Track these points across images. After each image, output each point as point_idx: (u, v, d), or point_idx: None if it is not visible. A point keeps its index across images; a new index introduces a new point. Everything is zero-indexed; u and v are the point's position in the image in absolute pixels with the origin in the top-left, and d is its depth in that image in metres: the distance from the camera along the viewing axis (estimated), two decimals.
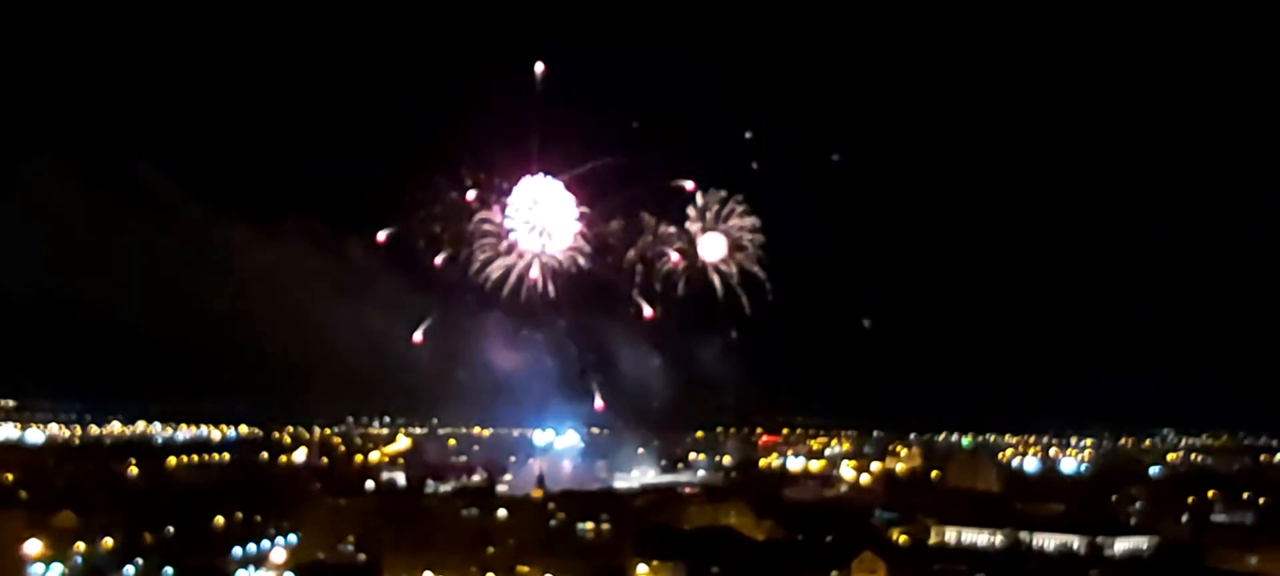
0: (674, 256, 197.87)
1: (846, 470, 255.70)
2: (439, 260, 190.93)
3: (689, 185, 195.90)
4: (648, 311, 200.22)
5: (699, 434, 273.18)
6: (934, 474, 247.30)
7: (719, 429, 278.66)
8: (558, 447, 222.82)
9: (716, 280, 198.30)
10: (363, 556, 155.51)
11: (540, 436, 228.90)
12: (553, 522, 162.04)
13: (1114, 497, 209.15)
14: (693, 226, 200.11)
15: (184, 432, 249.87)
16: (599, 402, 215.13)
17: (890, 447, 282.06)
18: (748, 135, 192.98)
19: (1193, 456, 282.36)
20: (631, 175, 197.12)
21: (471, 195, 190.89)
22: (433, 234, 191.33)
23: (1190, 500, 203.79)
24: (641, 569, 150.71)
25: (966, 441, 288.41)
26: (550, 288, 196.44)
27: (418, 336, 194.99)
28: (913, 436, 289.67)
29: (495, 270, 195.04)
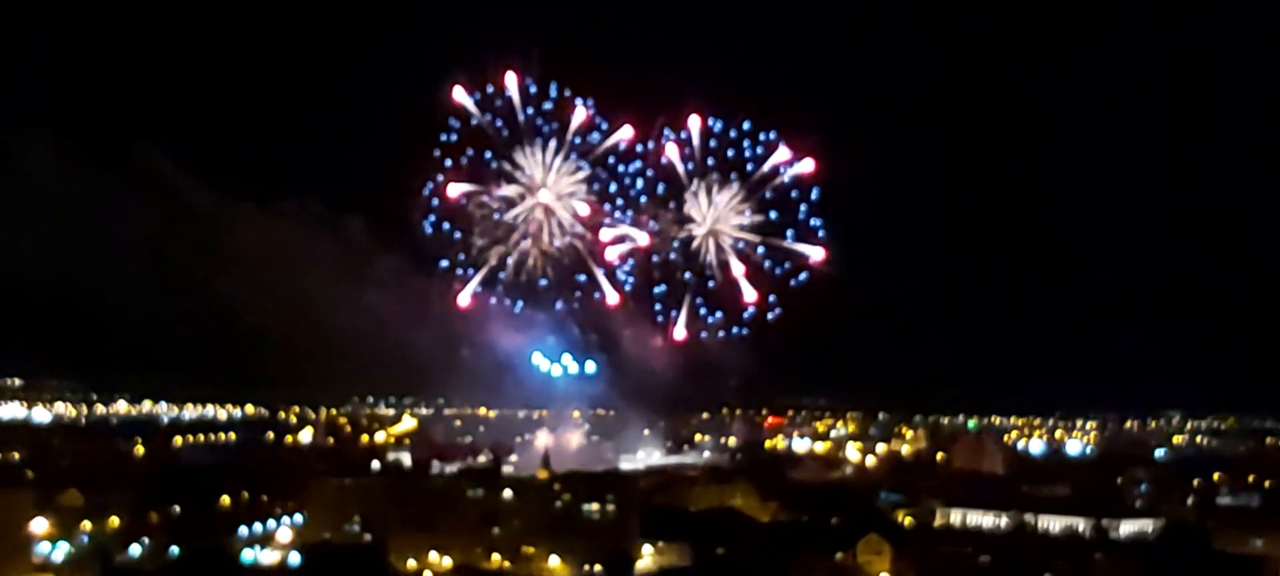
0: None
1: (852, 452, 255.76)
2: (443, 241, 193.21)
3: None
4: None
5: (705, 415, 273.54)
6: (939, 456, 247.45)
7: (724, 410, 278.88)
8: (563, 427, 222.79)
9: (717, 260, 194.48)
10: (368, 537, 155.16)
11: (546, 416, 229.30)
12: (558, 503, 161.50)
13: (1119, 480, 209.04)
14: (691, 208, 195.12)
15: (190, 412, 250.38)
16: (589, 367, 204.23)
17: (896, 429, 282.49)
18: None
19: (1198, 439, 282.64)
20: (632, 155, 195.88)
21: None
22: (434, 216, 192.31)
23: (1196, 483, 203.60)
24: (646, 549, 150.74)
25: (972, 423, 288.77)
26: (549, 270, 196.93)
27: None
28: (918, 418, 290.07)
29: (496, 253, 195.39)
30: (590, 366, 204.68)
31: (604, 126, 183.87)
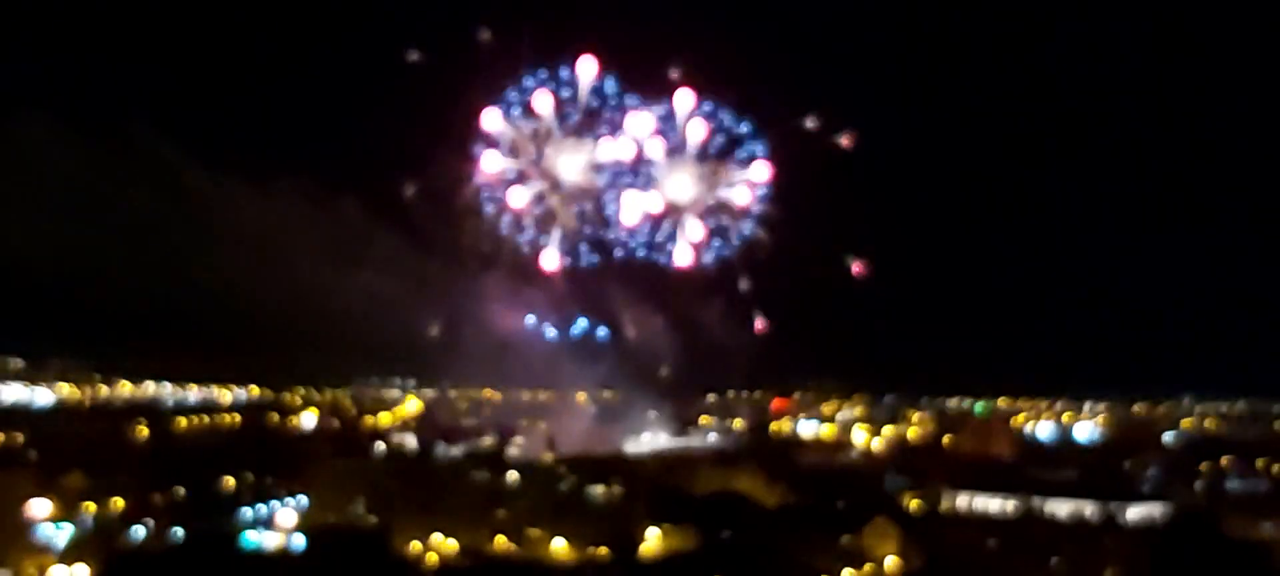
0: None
1: (859, 435, 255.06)
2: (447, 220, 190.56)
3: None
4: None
5: (710, 398, 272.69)
6: (947, 439, 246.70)
7: (731, 393, 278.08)
8: (569, 410, 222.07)
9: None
10: (373, 519, 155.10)
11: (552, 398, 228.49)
12: (563, 486, 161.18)
13: (1128, 464, 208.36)
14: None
15: (193, 394, 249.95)
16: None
17: (903, 413, 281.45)
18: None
19: (1207, 423, 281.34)
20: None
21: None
22: (441, 195, 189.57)
23: (1204, 467, 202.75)
24: (652, 532, 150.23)
25: (979, 407, 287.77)
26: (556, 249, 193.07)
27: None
28: (925, 401, 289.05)
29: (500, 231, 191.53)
30: (601, 331, 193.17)
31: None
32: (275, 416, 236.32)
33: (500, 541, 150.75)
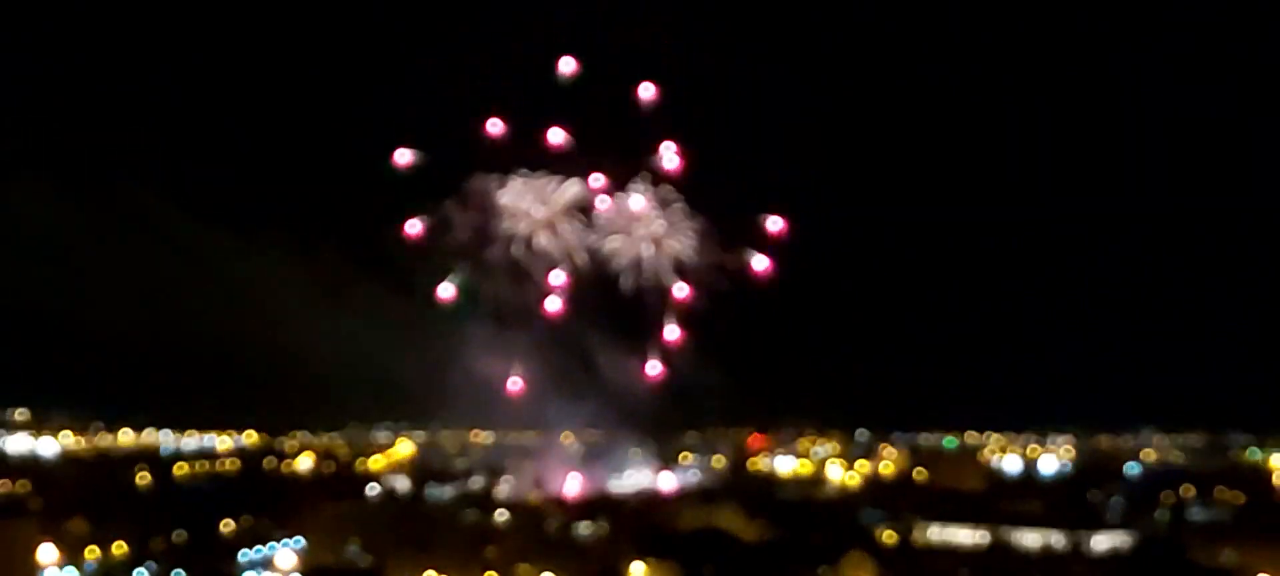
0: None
1: (834, 470, 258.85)
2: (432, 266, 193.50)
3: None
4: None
5: (691, 435, 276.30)
6: (918, 473, 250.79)
7: (710, 430, 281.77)
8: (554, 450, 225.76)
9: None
10: (367, 558, 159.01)
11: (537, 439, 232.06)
12: (551, 524, 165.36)
13: (1092, 495, 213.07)
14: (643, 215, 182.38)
15: (191, 441, 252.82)
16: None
17: (876, 448, 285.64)
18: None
19: (1170, 455, 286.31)
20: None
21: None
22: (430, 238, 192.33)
23: (1167, 497, 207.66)
24: (637, 568, 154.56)
25: (949, 441, 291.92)
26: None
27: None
28: (897, 435, 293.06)
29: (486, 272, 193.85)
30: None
31: None
32: (272, 461, 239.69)
33: None
